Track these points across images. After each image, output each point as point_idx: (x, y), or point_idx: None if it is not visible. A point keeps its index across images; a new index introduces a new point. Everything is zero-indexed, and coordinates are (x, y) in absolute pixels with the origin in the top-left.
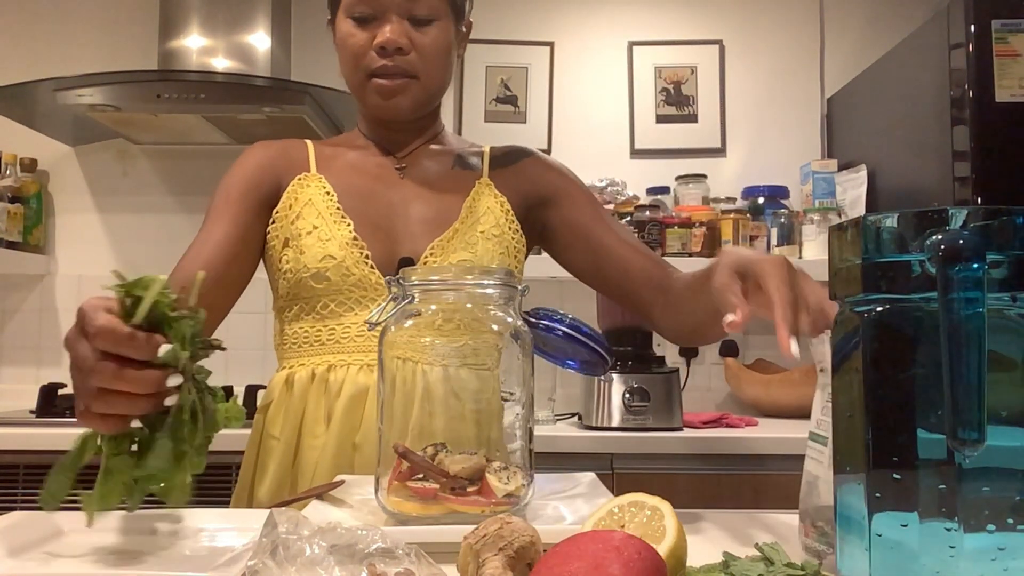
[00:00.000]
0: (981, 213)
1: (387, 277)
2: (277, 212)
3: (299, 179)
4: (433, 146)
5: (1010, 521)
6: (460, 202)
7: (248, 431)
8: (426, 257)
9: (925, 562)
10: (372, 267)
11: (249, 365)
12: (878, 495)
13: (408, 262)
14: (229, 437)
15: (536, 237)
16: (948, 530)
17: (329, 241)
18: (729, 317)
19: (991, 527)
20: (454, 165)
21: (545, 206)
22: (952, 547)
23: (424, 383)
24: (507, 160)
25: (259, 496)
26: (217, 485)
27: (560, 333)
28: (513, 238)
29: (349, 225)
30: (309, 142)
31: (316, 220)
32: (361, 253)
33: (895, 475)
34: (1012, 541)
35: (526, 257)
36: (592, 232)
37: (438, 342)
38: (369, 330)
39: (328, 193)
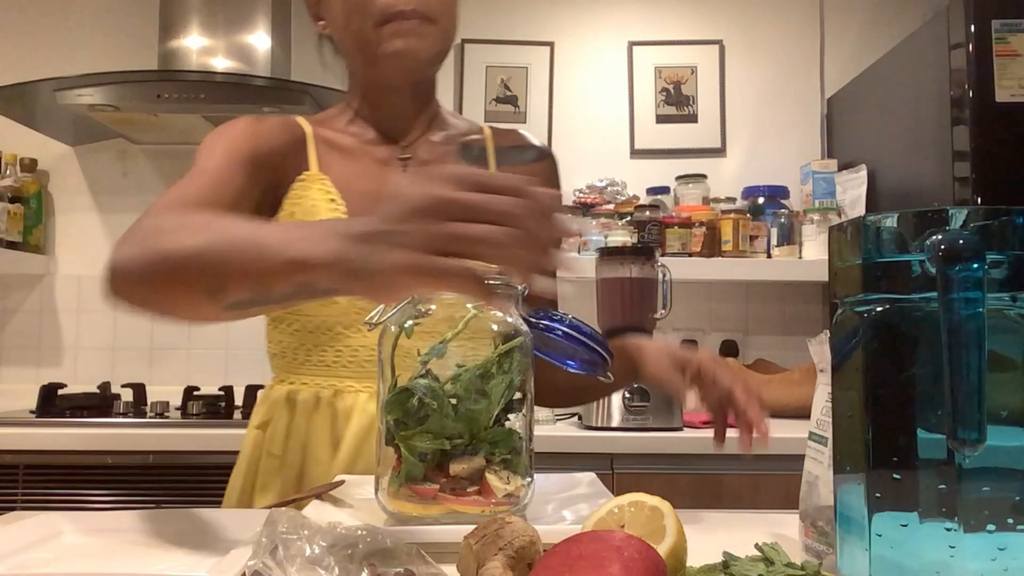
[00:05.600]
0: (981, 213)
1: None
2: (278, 219)
3: (301, 181)
4: (434, 137)
5: (1010, 521)
6: None
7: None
8: None
9: (925, 562)
10: None
11: (249, 365)
12: (878, 495)
13: None
14: (228, 437)
15: None
16: (948, 530)
17: None
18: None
19: (991, 527)
20: (459, 161)
21: None
22: (952, 547)
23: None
24: (514, 157)
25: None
26: (217, 485)
27: (560, 333)
28: None
29: None
30: (304, 124)
31: None
32: None
33: (895, 475)
34: (1012, 541)
35: None
36: None
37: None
38: (369, 330)
39: (332, 200)
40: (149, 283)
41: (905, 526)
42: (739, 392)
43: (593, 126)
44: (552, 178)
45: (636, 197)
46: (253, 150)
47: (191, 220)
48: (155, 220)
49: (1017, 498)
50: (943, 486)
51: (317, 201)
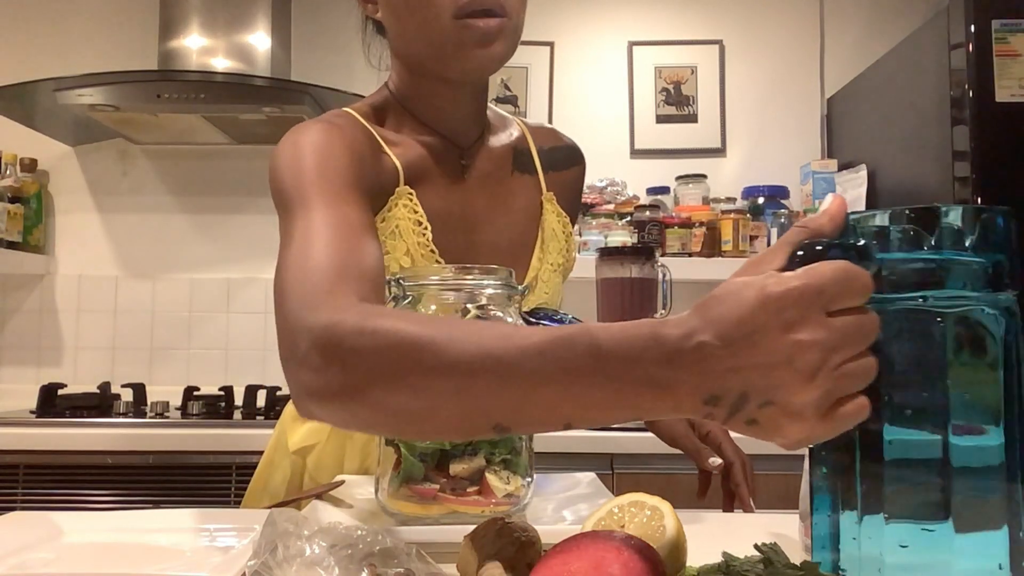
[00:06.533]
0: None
1: (387, 277)
2: None
3: (391, 197)
4: (491, 141)
5: (1003, 520)
6: (530, 229)
7: (259, 430)
8: None
9: (914, 559)
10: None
11: (249, 365)
12: (857, 493)
13: None
14: (228, 437)
15: None
16: (932, 529)
17: None
18: (716, 461)
19: (983, 525)
20: (513, 169)
21: None
22: (943, 546)
23: None
24: (557, 162)
25: None
26: (217, 485)
27: None
28: (567, 259)
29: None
30: (367, 124)
31: (404, 258)
32: None
33: (873, 472)
34: (997, 539)
35: None
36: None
37: None
38: None
39: (420, 223)
40: (375, 427)
41: (888, 524)
42: (737, 469)
43: (593, 126)
44: (581, 181)
45: (636, 197)
46: (358, 176)
47: (417, 340)
48: (353, 335)
49: (1007, 499)
50: (921, 483)
51: (402, 221)
